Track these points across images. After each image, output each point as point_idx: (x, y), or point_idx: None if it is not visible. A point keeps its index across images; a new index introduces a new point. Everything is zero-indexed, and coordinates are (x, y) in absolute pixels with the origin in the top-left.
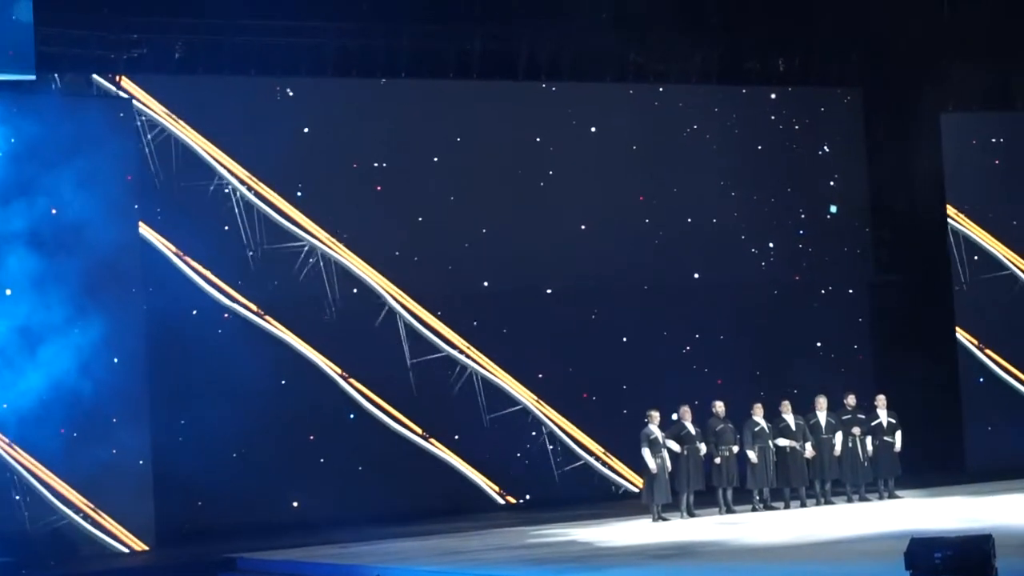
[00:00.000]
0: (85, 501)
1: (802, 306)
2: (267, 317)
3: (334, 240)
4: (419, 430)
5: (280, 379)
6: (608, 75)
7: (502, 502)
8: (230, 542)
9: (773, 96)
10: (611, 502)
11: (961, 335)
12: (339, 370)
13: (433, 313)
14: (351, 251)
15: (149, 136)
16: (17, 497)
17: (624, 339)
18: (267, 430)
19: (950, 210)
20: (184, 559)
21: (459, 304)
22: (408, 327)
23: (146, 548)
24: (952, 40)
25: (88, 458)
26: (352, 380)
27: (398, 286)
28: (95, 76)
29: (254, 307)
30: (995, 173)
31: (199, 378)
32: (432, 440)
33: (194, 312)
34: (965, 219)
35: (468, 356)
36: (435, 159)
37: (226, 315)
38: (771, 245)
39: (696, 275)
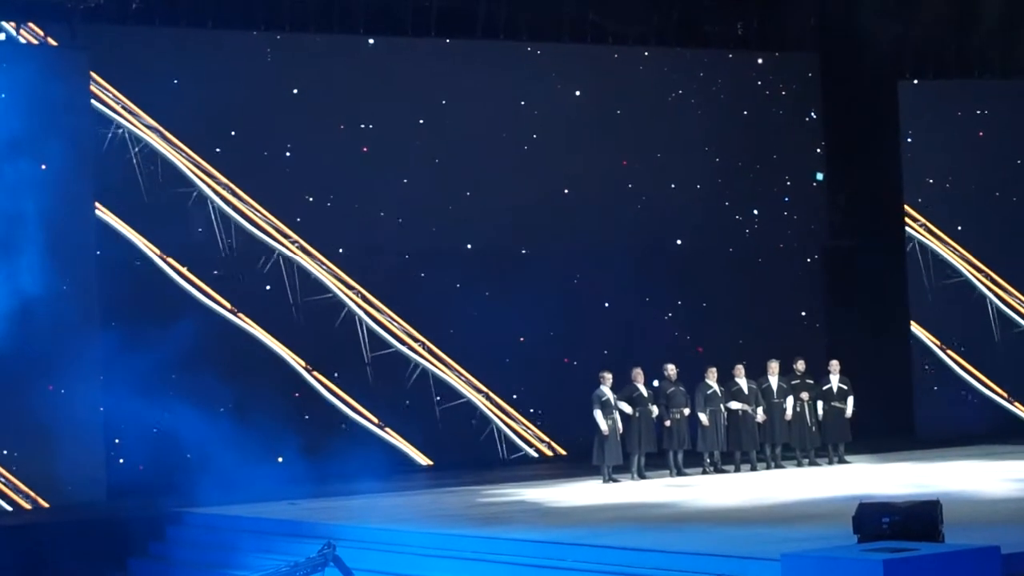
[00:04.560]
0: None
1: (786, 273)
2: (240, 314)
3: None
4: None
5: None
6: (565, 35)
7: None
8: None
9: (760, 61)
10: (562, 464)
11: (915, 327)
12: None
13: (417, 273)
14: (336, 215)
15: (107, 96)
16: None
17: (606, 304)
18: (254, 388)
19: (905, 181)
20: (133, 513)
21: (442, 264)
22: (392, 283)
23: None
24: (911, 6)
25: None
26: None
27: (382, 245)
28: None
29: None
30: (953, 140)
31: (183, 337)
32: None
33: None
34: (919, 219)
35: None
36: (420, 121)
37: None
38: (755, 212)
39: (679, 241)
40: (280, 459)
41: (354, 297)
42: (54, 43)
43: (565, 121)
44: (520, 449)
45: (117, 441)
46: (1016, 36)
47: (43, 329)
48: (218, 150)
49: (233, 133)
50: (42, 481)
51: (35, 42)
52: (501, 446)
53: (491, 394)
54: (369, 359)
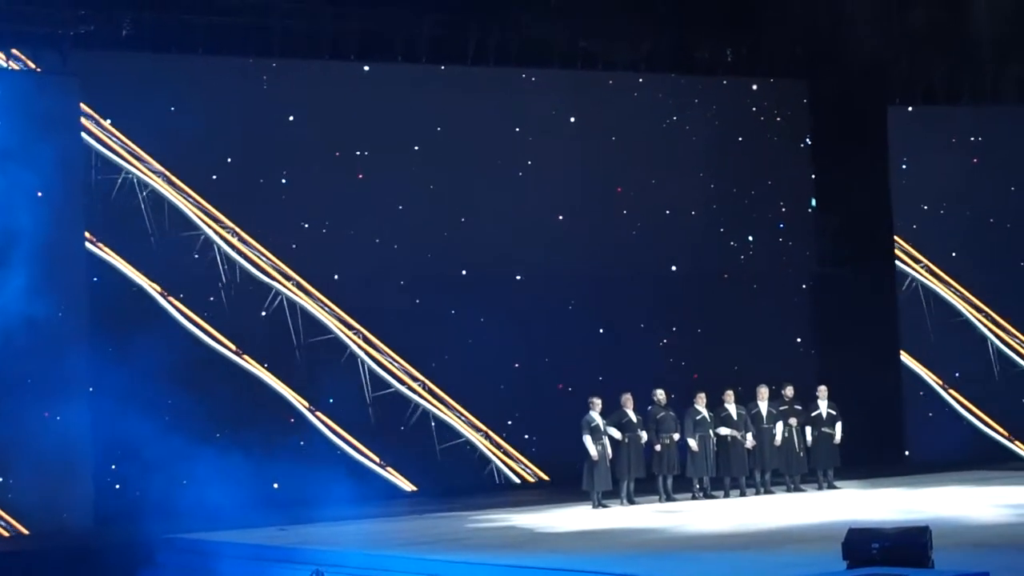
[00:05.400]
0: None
1: (780, 299)
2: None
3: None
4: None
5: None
6: (556, 61)
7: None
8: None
9: (754, 87)
10: (552, 489)
11: (905, 355)
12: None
13: (412, 300)
14: (331, 242)
15: (95, 124)
16: None
17: (600, 330)
18: (247, 413)
19: (899, 208)
20: (123, 538)
21: (437, 290)
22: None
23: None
24: (899, 31)
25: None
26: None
27: (378, 271)
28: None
29: (229, 345)
30: (945, 166)
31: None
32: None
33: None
34: (911, 246)
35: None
36: (415, 147)
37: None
38: (750, 238)
39: (674, 267)
40: (276, 485)
41: (347, 332)
42: (38, 69)
43: (559, 147)
44: (510, 474)
45: (114, 467)
46: (1008, 62)
47: (32, 353)
48: (214, 177)
49: (228, 160)
50: (30, 508)
51: (18, 68)
52: (495, 472)
53: (480, 425)
54: (367, 392)
